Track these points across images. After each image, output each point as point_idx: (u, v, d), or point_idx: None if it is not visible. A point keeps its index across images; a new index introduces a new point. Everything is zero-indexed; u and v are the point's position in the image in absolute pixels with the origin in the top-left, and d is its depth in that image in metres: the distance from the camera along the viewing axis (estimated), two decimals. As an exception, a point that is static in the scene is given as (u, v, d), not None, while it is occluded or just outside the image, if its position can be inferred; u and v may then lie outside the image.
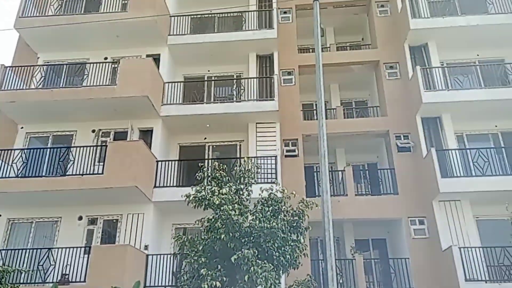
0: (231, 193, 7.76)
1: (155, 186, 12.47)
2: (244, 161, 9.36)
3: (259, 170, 9.54)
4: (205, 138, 14.35)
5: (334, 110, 15.65)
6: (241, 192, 8.25)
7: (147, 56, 14.20)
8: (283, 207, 8.18)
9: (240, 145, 14.39)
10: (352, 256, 12.89)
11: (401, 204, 12.93)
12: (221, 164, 8.50)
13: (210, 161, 13.45)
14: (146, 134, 13.47)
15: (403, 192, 13.11)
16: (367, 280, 12.51)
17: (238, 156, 14.05)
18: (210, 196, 7.60)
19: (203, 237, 7.69)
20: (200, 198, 7.69)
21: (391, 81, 14.80)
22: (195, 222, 8.06)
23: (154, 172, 12.65)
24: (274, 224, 7.23)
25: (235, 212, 7.18)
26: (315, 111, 16.22)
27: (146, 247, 11.62)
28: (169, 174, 12.94)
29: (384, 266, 13.30)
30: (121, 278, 9.76)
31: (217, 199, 7.37)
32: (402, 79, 14.68)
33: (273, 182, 12.33)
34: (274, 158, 13.07)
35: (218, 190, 7.65)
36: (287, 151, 14.00)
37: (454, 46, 14.32)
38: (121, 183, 11.30)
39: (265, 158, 13.06)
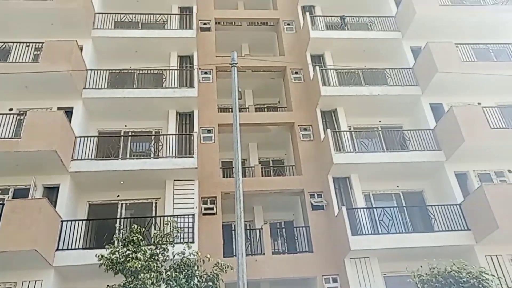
0: (146, 258, 7.30)
1: (57, 249, 11.36)
2: (164, 222, 8.90)
3: (178, 232, 9.08)
4: (118, 196, 13.65)
5: (252, 168, 15.97)
6: (156, 258, 7.81)
7: (58, 108, 13.49)
8: (197, 271, 7.84)
9: (156, 203, 13.89)
10: (269, 318, 12.66)
11: (315, 262, 13.19)
12: (138, 227, 8.03)
13: (122, 220, 12.72)
14: (52, 191, 12.45)
15: (318, 250, 13.44)
16: None
17: (153, 214, 13.51)
18: (123, 261, 7.04)
19: None
20: (114, 261, 7.09)
21: (305, 142, 15.62)
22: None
23: (58, 233, 11.58)
24: None
25: (151, 281, 6.70)
26: (233, 169, 16.42)
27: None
28: (75, 235, 11.92)
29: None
30: None
31: (133, 265, 6.85)
32: (315, 140, 15.58)
33: (190, 242, 12.17)
34: (191, 216, 12.78)
35: (133, 255, 7.15)
36: (205, 209, 13.80)
37: (360, 112, 15.69)
38: (17, 246, 10.14)
39: (183, 216, 12.71)
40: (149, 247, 7.92)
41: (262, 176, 15.68)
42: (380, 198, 14.56)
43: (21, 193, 12.12)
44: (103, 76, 15.10)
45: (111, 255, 7.49)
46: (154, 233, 8.34)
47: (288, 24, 18.63)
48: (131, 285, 6.87)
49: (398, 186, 14.63)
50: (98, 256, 7.64)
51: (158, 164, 13.43)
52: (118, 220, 13.07)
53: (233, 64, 10.67)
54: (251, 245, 14.36)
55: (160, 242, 8.17)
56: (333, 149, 14.06)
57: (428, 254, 12.01)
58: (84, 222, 12.47)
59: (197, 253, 8.35)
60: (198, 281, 7.76)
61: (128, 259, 7.05)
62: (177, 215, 12.71)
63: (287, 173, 16.31)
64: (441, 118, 14.39)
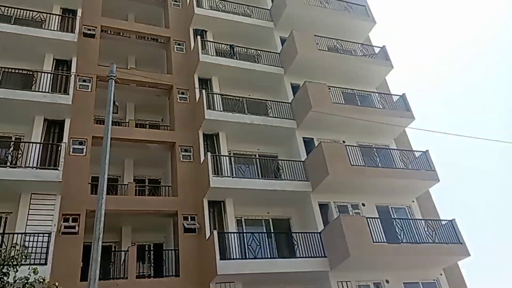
0: None
1: None
2: (11, 244, 7.73)
3: (26, 254, 8.00)
4: (-43, 208, 11.78)
5: (126, 186, 15.22)
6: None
7: None
8: None
9: (6, 217, 12.31)
10: None
11: (181, 287, 12.90)
12: None
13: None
14: None
15: (185, 274, 13.18)
16: None
17: (2, 231, 11.91)
18: None
19: None
20: None
21: (185, 163, 15.48)
22: None
23: None
24: None
25: None
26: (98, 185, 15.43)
27: None
28: None
29: None
30: None
31: None
32: (194, 162, 15.53)
33: (42, 264, 10.96)
34: (47, 235, 11.57)
35: None
36: (65, 227, 12.62)
37: (240, 139, 16.21)
38: None
39: (36, 235, 11.44)
40: None
41: (136, 195, 15.04)
42: (251, 223, 15.04)
43: None
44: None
45: None
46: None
47: (179, 44, 18.61)
48: None
49: (268, 213, 15.31)
50: None
51: (15, 174, 12.09)
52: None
53: (111, 77, 10.17)
54: (115, 268, 13.53)
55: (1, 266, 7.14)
56: (211, 172, 14.19)
57: (290, 279, 12.75)
58: None
59: (43, 280, 7.48)
60: None
61: None
62: (30, 233, 11.44)
63: (163, 193, 15.91)
64: (311, 152, 15.62)
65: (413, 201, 16.12)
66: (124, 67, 17.68)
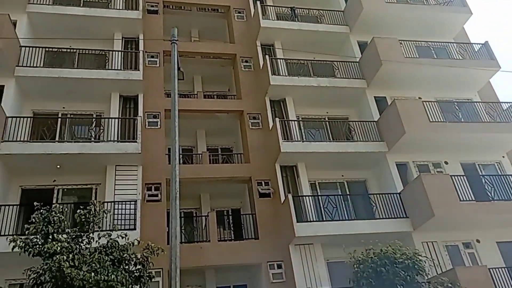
0: (69, 240, 6.74)
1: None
2: (94, 205, 8.21)
3: (106, 215, 8.49)
4: (54, 181, 12.80)
5: (200, 155, 15.63)
6: (80, 240, 7.26)
7: (-13, 86, 12.38)
8: (125, 255, 7.38)
9: (96, 188, 13.21)
10: (213, 305, 12.48)
11: (261, 249, 13.17)
12: (61, 207, 7.42)
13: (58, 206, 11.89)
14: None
15: (263, 237, 13.43)
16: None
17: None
18: (42, 242, 6.48)
19: None
20: (29, 243, 6.51)
21: (254, 131, 15.54)
22: (24, 271, 6.77)
23: (-15, 218, 10.64)
24: (112, 276, 6.40)
25: (68, 263, 6.17)
26: (181, 155, 16.02)
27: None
28: (5, 222, 11.00)
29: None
30: None
31: (51, 247, 6.30)
32: (263, 129, 15.54)
33: (132, 229, 11.66)
34: (133, 203, 12.26)
35: (52, 236, 6.59)
36: (149, 195, 13.31)
37: (308, 103, 15.87)
38: None
39: (124, 203, 12.17)
40: (73, 229, 7.33)
41: (210, 163, 15.41)
42: (325, 187, 14.84)
43: None
44: (39, 54, 14.11)
45: (28, 237, 6.82)
46: (78, 213, 7.64)
47: (239, 12, 18.40)
48: (45, 267, 6.29)
49: (342, 175, 14.98)
50: (12, 238, 6.93)
51: (99, 148, 12.80)
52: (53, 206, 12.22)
53: (173, 41, 10.23)
54: (197, 232, 14.12)
55: (85, 223, 7.52)
56: (281, 137, 14.10)
57: (369, 240, 12.41)
58: (15, 207, 11.54)
59: (125, 235, 7.85)
60: (127, 264, 7.26)
61: (47, 240, 6.47)
62: (119, 201, 12.18)
63: (235, 160, 16.16)
64: (384, 111, 14.90)
65: (503, 156, 14.88)
66: (188, 40, 17.91)
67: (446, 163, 14.53)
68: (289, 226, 12.71)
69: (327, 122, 15.95)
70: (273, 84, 15.23)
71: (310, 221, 12.91)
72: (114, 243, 7.38)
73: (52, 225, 6.91)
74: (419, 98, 15.46)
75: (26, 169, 12.41)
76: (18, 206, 11.73)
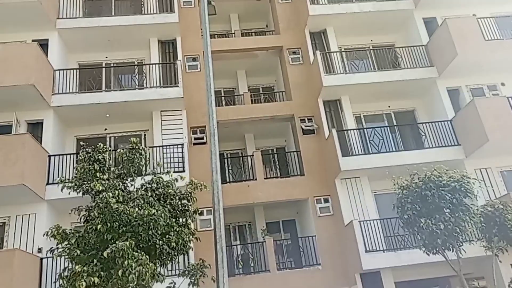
0: (112, 178, 7.14)
1: (48, 183, 11.36)
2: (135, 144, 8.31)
3: (153, 160, 8.87)
4: (106, 129, 13.46)
5: (242, 96, 15.60)
6: (125, 178, 7.63)
7: (33, 41, 12.77)
8: (170, 190, 7.72)
9: (144, 134, 13.74)
10: (263, 238, 13.03)
11: (307, 185, 13.33)
12: (104, 147, 7.72)
13: (111, 153, 12.60)
14: (36, 127, 12.23)
15: (309, 173, 13.52)
16: (278, 260, 12.74)
17: (142, 146, 13.37)
18: (89, 181, 6.92)
19: (76, 229, 7.02)
20: (77, 182, 6.98)
21: (295, 66, 15.11)
22: (71, 210, 7.35)
23: (47, 168, 11.53)
24: (154, 211, 6.74)
25: (115, 199, 6.58)
26: (223, 97, 16.10)
27: (39, 250, 10.54)
28: (65, 170, 11.86)
29: (293, 246, 13.68)
30: (9, 287, 8.75)
31: (98, 185, 6.74)
32: (304, 64, 15.05)
33: (181, 171, 12.16)
34: (181, 146, 12.67)
35: (98, 174, 7.01)
36: (195, 138, 13.67)
37: (350, 32, 15.00)
38: (5, 181, 10.10)
39: (172, 147, 12.61)
40: (116, 167, 7.69)
41: (252, 103, 15.38)
42: (371, 119, 14.41)
43: (3, 130, 11.84)
44: (77, 4, 14.24)
45: (76, 176, 7.27)
46: (118, 152, 7.96)
47: None
48: (94, 205, 6.77)
49: (389, 106, 14.41)
50: (61, 178, 7.45)
51: (143, 95, 13.08)
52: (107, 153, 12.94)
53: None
54: (243, 171, 14.48)
55: (127, 161, 7.80)
56: (322, 71, 13.65)
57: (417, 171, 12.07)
58: (72, 156, 12.34)
59: (168, 171, 8.17)
60: (171, 199, 7.58)
61: (95, 178, 6.91)
62: (166, 146, 12.64)
63: (277, 99, 15.97)
64: (434, 32, 13.79)
65: None
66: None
67: (503, 84, 13.45)
68: (334, 161, 12.65)
69: (371, 51, 15.12)
70: (312, 15, 14.49)
71: (356, 155, 12.74)
72: (158, 179, 7.70)
73: (98, 163, 7.26)
74: (473, 15, 14.07)
75: (78, 119, 13.08)
76: (75, 155, 12.53)
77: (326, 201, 13.15)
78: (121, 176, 7.55)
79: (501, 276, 10.73)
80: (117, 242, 6.15)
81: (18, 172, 10.24)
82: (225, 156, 14.76)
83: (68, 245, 6.53)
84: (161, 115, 13.39)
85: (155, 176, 7.74)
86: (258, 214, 14.00)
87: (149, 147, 12.37)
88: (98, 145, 7.60)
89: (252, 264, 12.70)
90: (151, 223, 6.73)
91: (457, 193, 8.83)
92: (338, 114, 14.06)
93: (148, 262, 6.25)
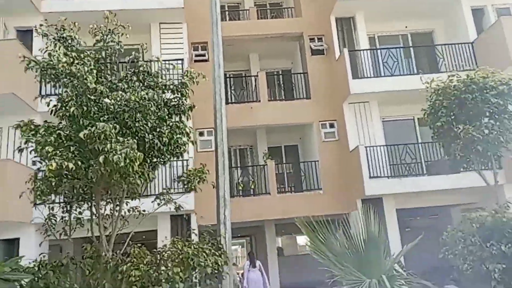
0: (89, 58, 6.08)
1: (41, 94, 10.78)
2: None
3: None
4: (99, 41, 12.57)
5: (247, 11, 14.49)
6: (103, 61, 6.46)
7: None
8: (160, 81, 6.91)
9: (143, 49, 12.84)
10: (264, 162, 12.72)
11: (313, 109, 12.74)
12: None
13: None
14: (26, 35, 11.38)
15: (315, 96, 12.86)
16: (278, 185, 12.51)
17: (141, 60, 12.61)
18: (57, 58, 5.51)
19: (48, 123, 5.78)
20: (52, 64, 5.55)
21: (305, -21, 13.81)
22: (34, 98, 6.60)
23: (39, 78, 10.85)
24: (143, 94, 5.68)
25: (92, 77, 5.42)
26: (227, 12, 14.99)
27: (34, 163, 10.19)
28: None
29: (294, 170, 13.41)
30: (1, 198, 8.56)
31: (66, 58, 5.46)
32: (315, -24, 13.74)
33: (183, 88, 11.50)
34: (180, 62, 11.87)
35: (70, 53, 5.92)
36: (196, 55, 12.85)
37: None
38: (-7, 89, 9.53)
39: (170, 62, 11.81)
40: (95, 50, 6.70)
41: (258, 19, 14.29)
42: (385, 41, 13.43)
43: (-9, 35, 11.06)
44: None
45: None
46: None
47: None
48: (68, 89, 5.80)
49: (406, 27, 13.35)
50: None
51: (139, 2, 12.03)
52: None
53: None
54: (247, 92, 13.84)
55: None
56: (336, -17, 12.41)
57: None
58: (66, 68, 11.62)
59: (157, 59, 7.31)
60: (163, 91, 6.49)
61: (74, 62, 5.85)
62: (165, 61, 11.80)
63: (286, 15, 14.87)
64: None
65: None
66: None
67: (534, 3, 12.28)
68: (343, 83, 11.92)
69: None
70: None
71: (367, 77, 11.96)
72: (146, 66, 6.73)
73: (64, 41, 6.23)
74: None
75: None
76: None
77: (331, 126, 12.63)
78: (100, 61, 6.60)
79: None
80: (96, 124, 5.10)
81: (7, 80, 9.61)
82: (228, 76, 14.02)
83: (39, 138, 5.64)
84: (160, 28, 12.45)
85: (143, 62, 6.87)
86: (260, 138, 13.59)
87: (145, 61, 11.57)
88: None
89: (252, 187, 12.50)
90: (140, 110, 5.72)
91: (505, 97, 7.72)
92: (351, 33, 13.04)
93: (135, 148, 5.19)
